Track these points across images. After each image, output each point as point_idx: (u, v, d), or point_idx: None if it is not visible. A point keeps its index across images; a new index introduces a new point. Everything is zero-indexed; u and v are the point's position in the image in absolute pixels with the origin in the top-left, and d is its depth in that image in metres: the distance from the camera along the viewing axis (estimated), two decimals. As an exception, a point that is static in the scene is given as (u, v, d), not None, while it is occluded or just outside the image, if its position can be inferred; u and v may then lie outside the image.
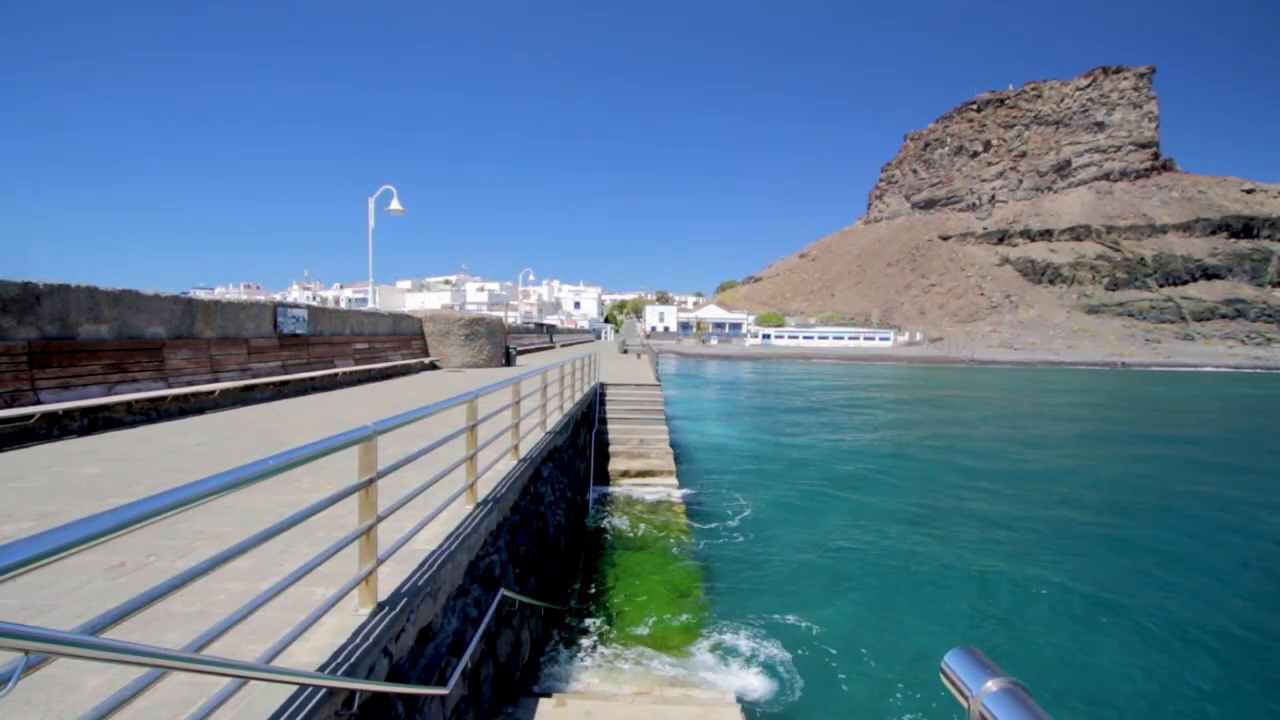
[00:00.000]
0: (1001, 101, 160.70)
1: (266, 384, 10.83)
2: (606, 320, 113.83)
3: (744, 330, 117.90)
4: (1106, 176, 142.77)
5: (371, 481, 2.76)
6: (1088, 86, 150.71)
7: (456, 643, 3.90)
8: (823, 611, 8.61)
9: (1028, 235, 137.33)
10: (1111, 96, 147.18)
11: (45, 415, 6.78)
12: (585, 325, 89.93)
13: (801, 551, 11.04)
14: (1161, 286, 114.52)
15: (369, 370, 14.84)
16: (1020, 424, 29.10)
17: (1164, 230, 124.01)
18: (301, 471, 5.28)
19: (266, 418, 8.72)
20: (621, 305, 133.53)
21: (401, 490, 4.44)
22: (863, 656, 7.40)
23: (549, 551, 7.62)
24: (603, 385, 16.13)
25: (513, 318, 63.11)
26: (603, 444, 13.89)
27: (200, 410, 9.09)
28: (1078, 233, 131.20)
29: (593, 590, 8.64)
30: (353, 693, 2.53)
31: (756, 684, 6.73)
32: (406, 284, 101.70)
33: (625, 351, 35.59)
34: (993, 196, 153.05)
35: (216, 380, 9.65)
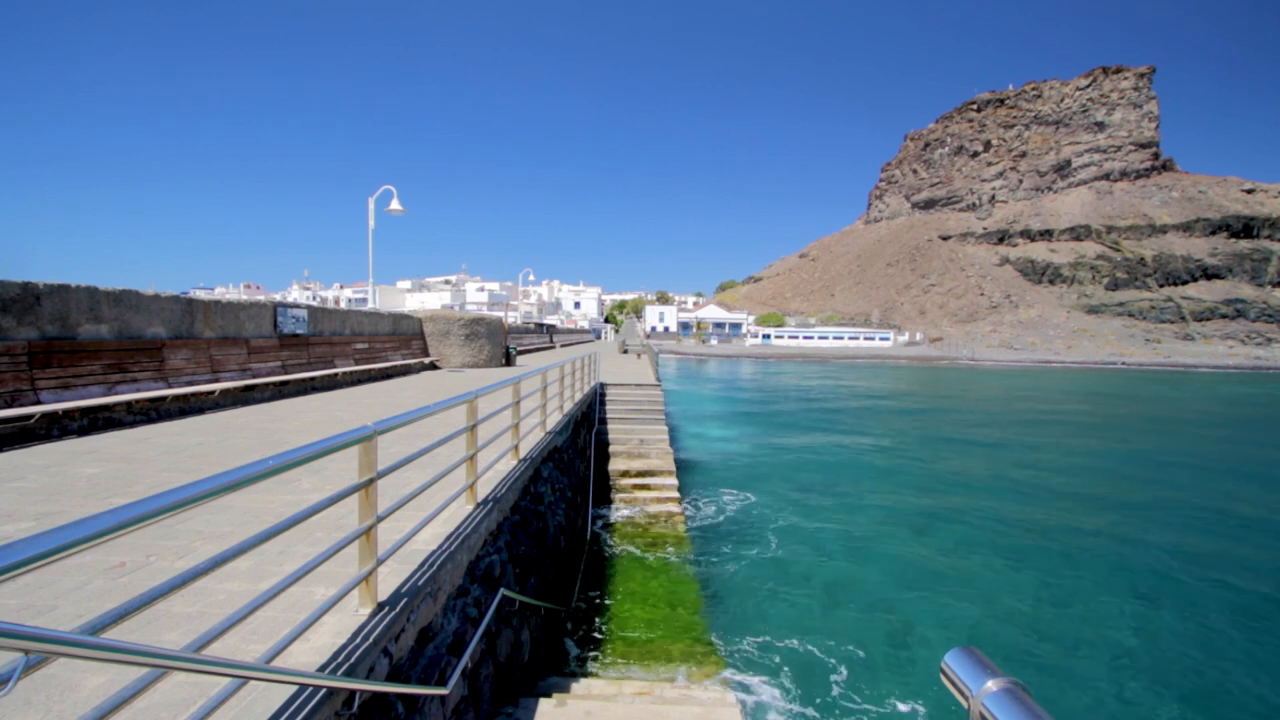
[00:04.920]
0: (1001, 101, 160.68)
1: (266, 384, 10.83)
2: (606, 320, 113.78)
3: (744, 330, 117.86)
4: (1106, 176, 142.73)
5: (371, 481, 2.75)
6: (1088, 86, 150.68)
7: (456, 643, 3.90)
8: (823, 612, 8.61)
9: (1028, 235, 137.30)
10: (1111, 96, 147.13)
11: (45, 415, 6.78)
12: (585, 325, 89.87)
13: (802, 552, 11.04)
14: (1161, 286, 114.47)
15: (369, 370, 14.84)
16: (1021, 425, 29.10)
17: (1164, 230, 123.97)
18: (301, 472, 5.28)
19: (266, 418, 8.72)
20: (621, 305, 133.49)
21: (401, 490, 4.45)
22: (863, 656, 7.40)
23: (549, 551, 7.62)
24: (603, 385, 16.12)
25: (513, 318, 63.10)
26: (603, 444, 13.88)
27: (200, 410, 9.09)
28: (1078, 233, 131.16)
29: (593, 590, 8.65)
30: (353, 693, 2.53)
31: (756, 684, 6.73)
32: (406, 284, 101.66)
33: (625, 351, 35.58)
34: (993, 196, 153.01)
35: (216, 380, 9.65)
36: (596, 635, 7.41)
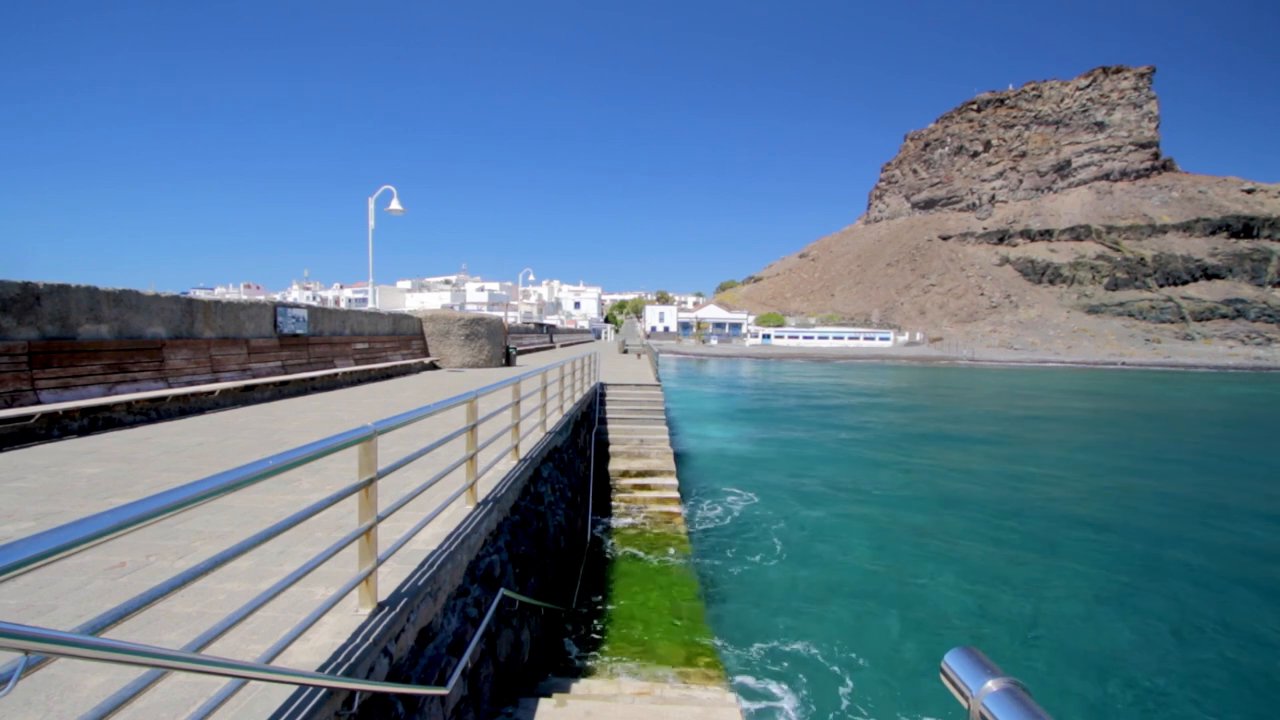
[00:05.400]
0: (1001, 101, 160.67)
1: (266, 384, 10.83)
2: (606, 320, 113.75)
3: (744, 330, 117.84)
4: (1106, 176, 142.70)
5: (371, 481, 2.75)
6: (1088, 86, 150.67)
7: (456, 643, 3.90)
8: (823, 613, 8.61)
9: (1028, 235, 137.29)
10: (1111, 96, 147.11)
11: (45, 415, 6.78)
12: (585, 325, 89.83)
13: (802, 552, 11.03)
14: (1161, 286, 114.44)
15: (369, 370, 14.84)
16: (1020, 426, 29.10)
17: (1164, 230, 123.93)
18: (301, 472, 5.28)
19: (266, 418, 8.72)
20: (621, 305, 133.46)
21: (401, 490, 4.45)
22: (863, 656, 7.40)
23: (549, 551, 7.62)
24: (603, 385, 16.12)
25: (513, 318, 63.08)
26: (603, 444, 13.87)
27: (200, 410, 9.09)
28: (1078, 233, 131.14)
29: (593, 590, 8.64)
30: (353, 693, 2.53)
31: (757, 684, 6.73)
32: (406, 284, 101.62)
33: (625, 351, 35.57)
34: (993, 196, 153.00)
35: (216, 380, 9.65)
36: (596, 635, 7.41)
